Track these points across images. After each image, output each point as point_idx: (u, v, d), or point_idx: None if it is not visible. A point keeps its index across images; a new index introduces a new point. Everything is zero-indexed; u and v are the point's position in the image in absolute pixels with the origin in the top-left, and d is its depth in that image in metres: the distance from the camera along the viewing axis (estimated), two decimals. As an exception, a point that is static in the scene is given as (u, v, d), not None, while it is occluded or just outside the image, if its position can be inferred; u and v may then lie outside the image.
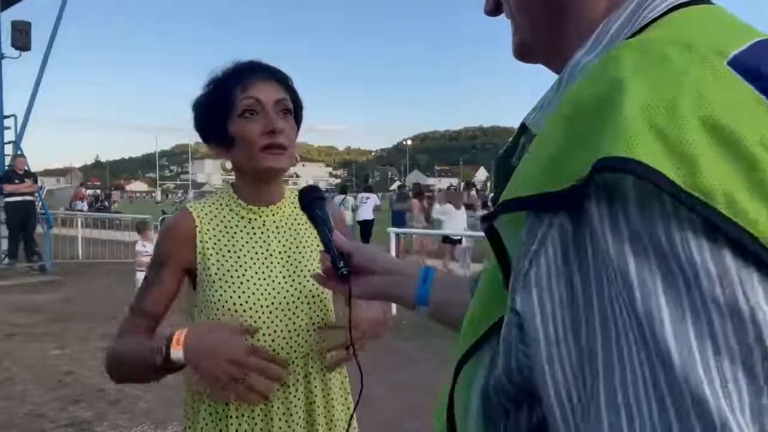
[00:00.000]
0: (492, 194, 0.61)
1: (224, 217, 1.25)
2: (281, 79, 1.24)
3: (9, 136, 10.59)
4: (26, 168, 9.85)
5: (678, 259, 0.36)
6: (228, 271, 1.19)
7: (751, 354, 0.34)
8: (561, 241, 0.41)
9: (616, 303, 0.38)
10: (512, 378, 0.44)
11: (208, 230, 1.22)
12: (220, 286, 1.18)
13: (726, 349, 0.34)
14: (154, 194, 75.42)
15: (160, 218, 11.19)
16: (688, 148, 0.36)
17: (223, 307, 1.16)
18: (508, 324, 0.44)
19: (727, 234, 0.35)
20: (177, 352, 1.06)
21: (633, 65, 0.41)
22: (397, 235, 8.65)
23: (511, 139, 0.56)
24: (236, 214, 1.25)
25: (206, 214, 1.24)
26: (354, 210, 12.77)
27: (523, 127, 0.54)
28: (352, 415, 1.23)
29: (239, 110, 1.18)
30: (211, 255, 1.20)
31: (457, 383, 0.52)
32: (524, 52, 0.61)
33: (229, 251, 1.21)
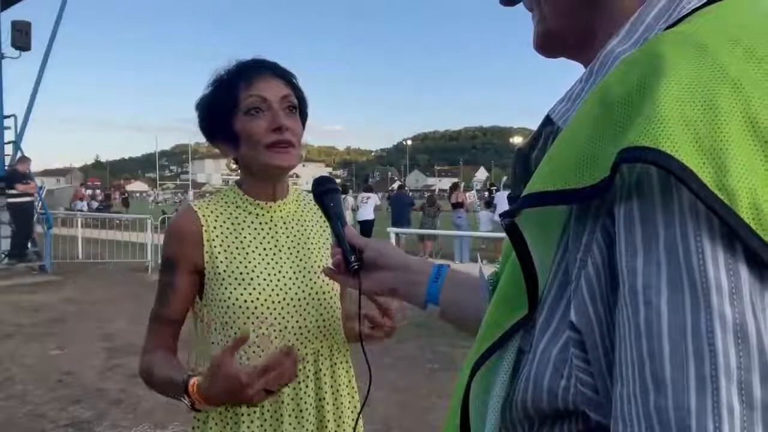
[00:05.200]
0: (506, 191, 0.58)
1: (231, 214, 1.24)
2: (286, 77, 1.24)
3: (9, 136, 10.60)
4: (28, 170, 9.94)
5: (689, 267, 0.33)
6: (237, 268, 1.19)
7: (751, 379, 0.32)
8: (606, 244, 0.39)
9: (624, 309, 0.36)
10: (551, 400, 0.42)
11: (214, 228, 1.21)
12: (230, 284, 1.17)
13: (725, 371, 0.32)
14: (153, 194, 75.20)
15: (161, 218, 11.18)
16: (719, 145, 0.34)
17: (233, 305, 1.16)
18: (564, 344, 0.41)
19: (745, 244, 0.33)
20: (201, 406, 1.08)
21: (672, 58, 0.38)
22: (397, 234, 8.65)
23: (533, 132, 0.54)
24: (243, 210, 1.25)
25: (212, 212, 1.23)
26: (354, 210, 12.77)
27: (548, 120, 0.51)
28: (359, 414, 1.22)
29: (244, 108, 1.17)
30: (219, 253, 1.19)
31: (473, 384, 0.50)
32: (549, 43, 0.57)
33: (237, 248, 1.21)
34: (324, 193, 0.99)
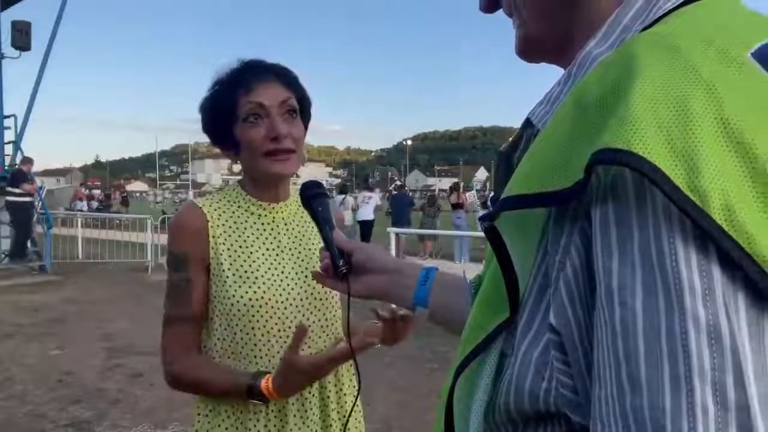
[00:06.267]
0: (492, 193, 0.59)
1: (233, 213, 1.24)
2: (286, 79, 1.23)
3: (9, 136, 10.60)
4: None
5: (663, 268, 0.34)
6: (241, 266, 1.19)
7: (724, 380, 0.32)
8: (583, 246, 0.39)
9: (600, 311, 0.36)
10: (533, 402, 0.42)
11: (218, 225, 1.21)
12: (234, 282, 1.17)
13: (698, 372, 0.32)
14: (149, 195, 74.79)
15: (161, 218, 11.19)
16: (691, 147, 0.34)
17: (238, 302, 1.16)
18: (545, 347, 0.41)
19: (718, 245, 0.33)
20: (275, 399, 1.13)
21: (646, 61, 0.38)
22: (397, 235, 8.65)
23: (514, 134, 0.54)
24: (245, 211, 1.25)
25: (215, 210, 1.23)
26: (354, 210, 12.70)
27: (528, 123, 0.51)
28: (350, 413, 1.23)
29: (243, 115, 1.17)
30: (223, 251, 1.19)
31: (456, 387, 0.51)
32: (529, 47, 0.57)
33: (240, 247, 1.21)
34: (312, 197, 1.00)
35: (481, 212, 12.84)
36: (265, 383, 1.10)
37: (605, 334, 0.35)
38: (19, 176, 9.64)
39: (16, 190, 9.43)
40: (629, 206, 0.36)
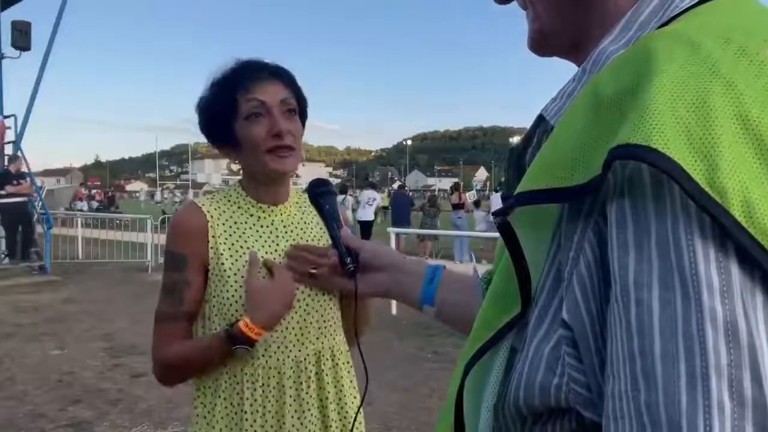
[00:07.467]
0: (501, 190, 0.59)
1: (233, 213, 1.24)
2: (285, 78, 1.23)
3: (9, 136, 10.59)
4: (21, 169, 9.82)
5: (680, 264, 0.33)
6: (243, 266, 1.19)
7: (741, 376, 0.32)
8: (598, 242, 0.39)
9: (615, 306, 0.36)
10: (544, 398, 0.41)
11: (219, 225, 1.21)
12: (235, 281, 1.17)
13: (715, 368, 0.32)
14: (142, 194, 73.89)
15: (161, 218, 11.19)
16: (710, 142, 0.34)
17: (237, 302, 1.17)
18: (557, 342, 0.41)
19: (736, 241, 0.32)
20: (260, 337, 1.12)
21: (664, 56, 0.38)
22: (397, 235, 8.66)
23: (527, 131, 0.54)
24: (245, 212, 1.25)
25: (216, 209, 1.23)
26: (354, 210, 12.60)
27: (541, 119, 0.51)
28: (357, 411, 1.23)
29: (244, 113, 1.17)
30: (223, 251, 1.19)
31: (466, 383, 0.50)
32: (542, 42, 0.56)
33: (241, 247, 1.21)
34: (319, 195, 1.00)
35: (476, 211, 12.84)
36: (243, 322, 1.10)
37: (620, 329, 0.35)
38: (7, 177, 9.52)
39: (2, 192, 9.32)
40: (647, 202, 0.36)
